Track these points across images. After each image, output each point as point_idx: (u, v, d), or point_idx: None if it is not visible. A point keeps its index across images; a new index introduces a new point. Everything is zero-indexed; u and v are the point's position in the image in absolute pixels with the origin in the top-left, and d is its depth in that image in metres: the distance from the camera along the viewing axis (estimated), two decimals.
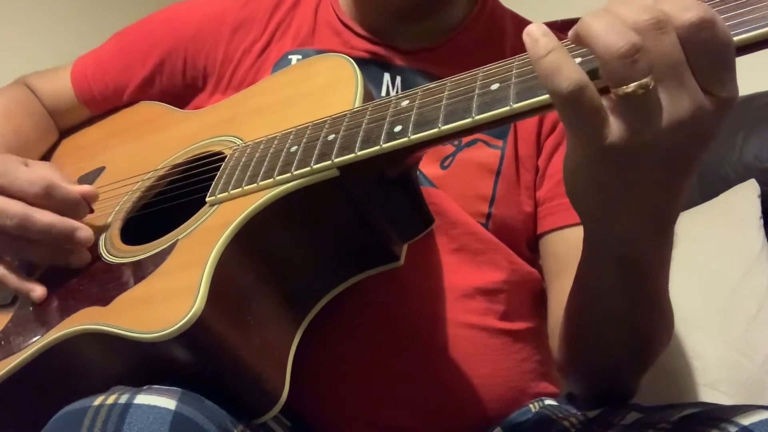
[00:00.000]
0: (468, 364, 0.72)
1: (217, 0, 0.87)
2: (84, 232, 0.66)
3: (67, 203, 0.67)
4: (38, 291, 0.66)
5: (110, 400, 0.49)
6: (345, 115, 0.60)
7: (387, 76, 0.79)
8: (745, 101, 1.20)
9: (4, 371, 0.61)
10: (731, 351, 0.98)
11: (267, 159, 0.61)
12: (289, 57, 0.81)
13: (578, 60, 0.45)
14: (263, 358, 0.57)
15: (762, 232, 1.08)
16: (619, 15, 0.42)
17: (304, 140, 0.60)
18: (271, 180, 0.58)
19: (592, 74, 0.43)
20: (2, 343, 0.65)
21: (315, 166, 0.57)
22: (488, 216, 0.76)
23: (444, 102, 0.53)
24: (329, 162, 0.56)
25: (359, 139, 0.56)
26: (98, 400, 0.49)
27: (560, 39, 0.44)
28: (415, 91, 0.56)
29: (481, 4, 0.83)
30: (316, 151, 0.57)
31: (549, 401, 0.76)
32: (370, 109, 0.58)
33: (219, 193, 0.62)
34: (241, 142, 0.68)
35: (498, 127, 0.53)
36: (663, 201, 0.48)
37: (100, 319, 0.57)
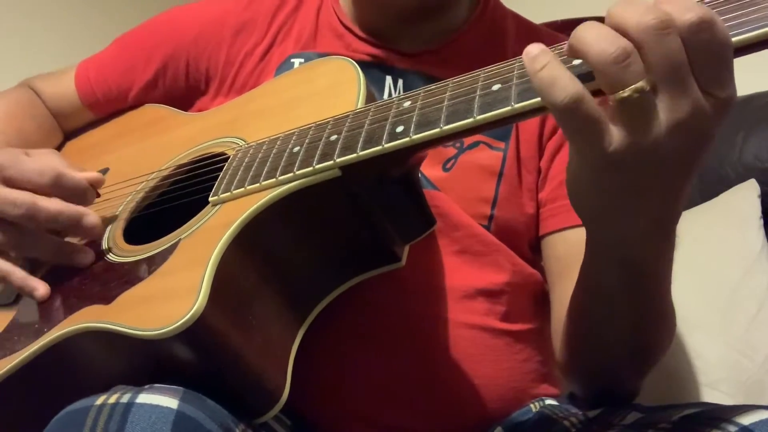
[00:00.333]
0: (469, 365, 0.72)
1: (218, 2, 0.87)
2: (92, 218, 0.67)
3: (76, 191, 0.68)
4: (41, 290, 0.66)
5: (112, 399, 0.49)
6: (347, 115, 0.60)
7: (389, 79, 0.79)
8: (745, 101, 1.20)
9: (5, 370, 0.61)
10: (731, 351, 0.98)
11: (270, 159, 0.61)
12: (292, 60, 0.81)
13: (576, 62, 0.45)
14: (265, 358, 0.57)
15: (762, 232, 1.08)
16: (623, 17, 0.42)
17: (307, 141, 0.60)
18: (274, 180, 0.59)
19: (589, 77, 0.44)
20: (4, 342, 0.65)
21: (317, 166, 0.57)
22: (490, 218, 0.76)
23: (446, 102, 0.53)
24: (331, 162, 0.56)
25: (361, 139, 0.56)
26: (100, 400, 0.49)
27: (560, 39, 0.44)
28: (417, 92, 0.57)
29: (483, 6, 0.83)
30: (318, 152, 0.58)
31: (549, 401, 0.76)
32: (372, 109, 0.58)
33: (222, 193, 0.62)
34: (244, 143, 0.68)
35: (500, 127, 0.53)
36: (664, 203, 0.49)
37: (102, 317, 0.57)
